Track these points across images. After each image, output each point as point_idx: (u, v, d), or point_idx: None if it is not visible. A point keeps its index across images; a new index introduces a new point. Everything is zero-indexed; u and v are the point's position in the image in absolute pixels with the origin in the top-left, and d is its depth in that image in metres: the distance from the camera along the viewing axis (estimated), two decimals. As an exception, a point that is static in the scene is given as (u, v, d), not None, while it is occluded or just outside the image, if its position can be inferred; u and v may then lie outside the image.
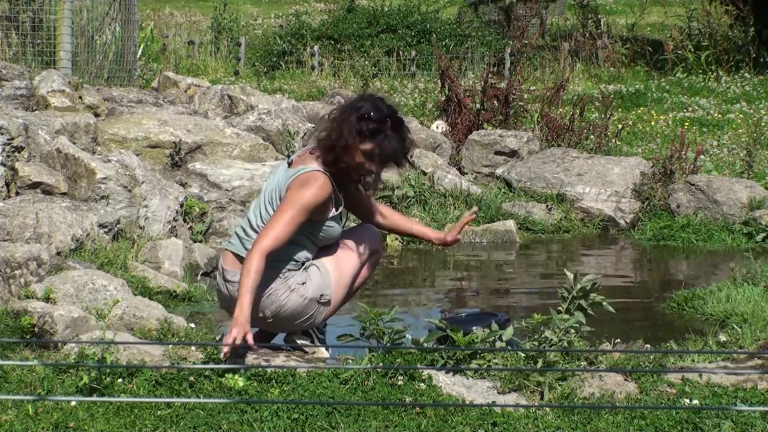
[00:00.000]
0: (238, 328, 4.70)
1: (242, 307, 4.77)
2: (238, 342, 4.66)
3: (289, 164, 5.23)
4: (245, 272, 4.84)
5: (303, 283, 5.23)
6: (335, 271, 5.31)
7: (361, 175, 5.25)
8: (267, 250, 4.92)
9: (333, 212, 5.22)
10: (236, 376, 4.78)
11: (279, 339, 5.65)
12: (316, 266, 5.28)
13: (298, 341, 5.47)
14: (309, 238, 5.21)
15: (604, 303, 5.23)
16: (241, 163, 9.92)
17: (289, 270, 5.21)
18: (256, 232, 5.14)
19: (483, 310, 6.72)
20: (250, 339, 4.70)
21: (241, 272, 4.89)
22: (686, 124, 13.91)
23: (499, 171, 11.11)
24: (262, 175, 9.59)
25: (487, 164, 11.28)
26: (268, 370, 4.87)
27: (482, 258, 9.26)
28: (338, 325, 5.94)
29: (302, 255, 5.23)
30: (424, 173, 10.62)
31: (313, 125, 5.47)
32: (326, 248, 5.34)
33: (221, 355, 4.84)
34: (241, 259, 5.16)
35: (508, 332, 5.32)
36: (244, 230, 5.24)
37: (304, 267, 5.27)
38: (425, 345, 5.26)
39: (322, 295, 5.29)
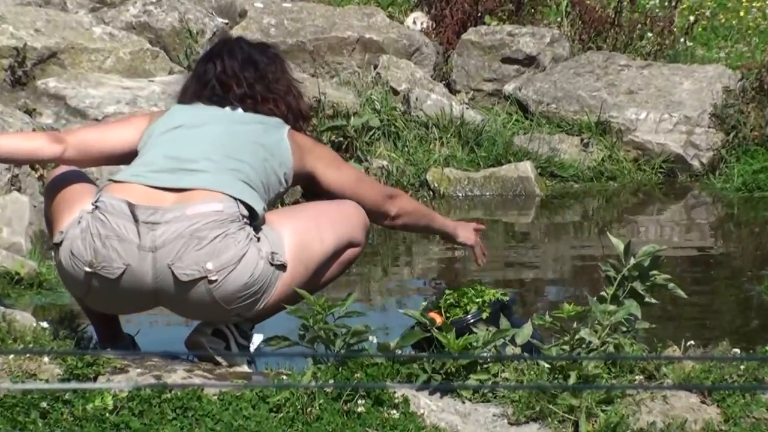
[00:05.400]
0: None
1: (441, 223, 6.35)
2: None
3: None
4: (419, 207, 6.53)
5: (258, 238, 5.50)
6: (293, 236, 5.61)
7: None
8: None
9: None
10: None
11: (176, 345, 5.63)
12: (264, 227, 5.60)
13: (209, 346, 5.47)
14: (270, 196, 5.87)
15: (671, 286, 5.24)
16: (117, 79, 9.92)
17: (246, 224, 5.51)
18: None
19: None
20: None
21: (416, 209, 6.32)
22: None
23: (508, 88, 11.16)
24: (149, 96, 9.54)
25: (491, 78, 11.31)
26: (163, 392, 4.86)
27: (484, 220, 9.23)
28: (268, 323, 5.91)
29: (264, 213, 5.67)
30: (396, 92, 10.61)
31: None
32: (281, 215, 5.82)
33: None
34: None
35: (525, 332, 5.30)
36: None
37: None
38: (398, 352, 5.24)
39: (273, 254, 5.46)
